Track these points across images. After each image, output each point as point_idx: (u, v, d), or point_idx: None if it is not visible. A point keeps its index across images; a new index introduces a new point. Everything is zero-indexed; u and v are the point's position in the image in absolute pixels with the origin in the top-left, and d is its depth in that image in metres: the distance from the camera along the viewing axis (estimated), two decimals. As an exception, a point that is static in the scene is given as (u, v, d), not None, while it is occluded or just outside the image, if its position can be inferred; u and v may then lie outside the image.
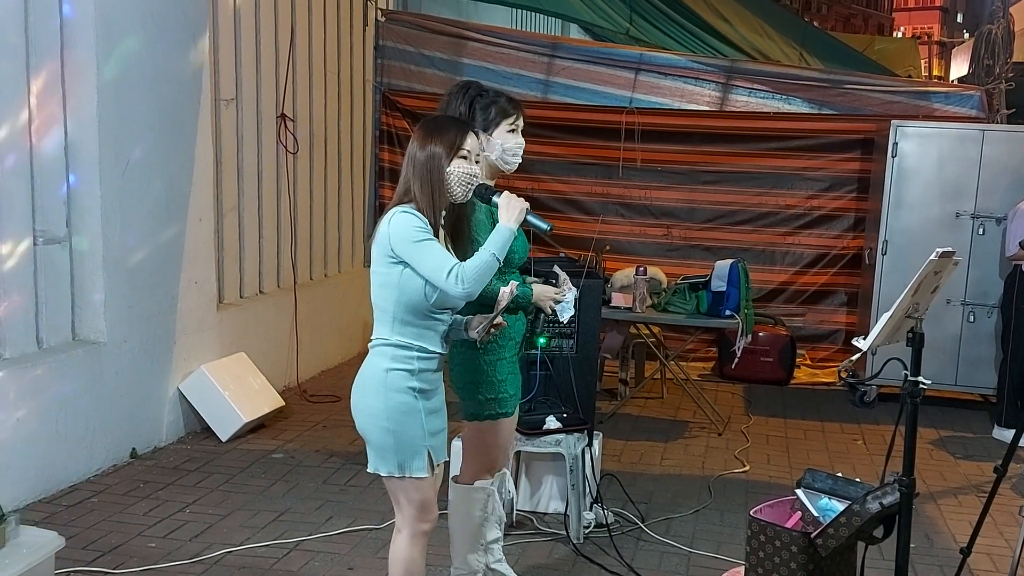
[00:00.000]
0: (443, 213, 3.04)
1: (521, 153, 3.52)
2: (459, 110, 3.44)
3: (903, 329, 3.15)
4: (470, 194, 3.05)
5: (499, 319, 3.10)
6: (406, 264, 2.93)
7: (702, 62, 8.09)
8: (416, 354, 2.99)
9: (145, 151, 5.33)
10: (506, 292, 3.02)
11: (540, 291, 3.58)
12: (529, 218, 3.10)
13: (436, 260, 2.90)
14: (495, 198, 3.11)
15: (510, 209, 3.03)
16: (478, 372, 3.48)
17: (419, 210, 2.94)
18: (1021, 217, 6.20)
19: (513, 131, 3.47)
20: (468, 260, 2.95)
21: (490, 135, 3.45)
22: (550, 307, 3.60)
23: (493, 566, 3.82)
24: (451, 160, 2.98)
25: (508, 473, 3.94)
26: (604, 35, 9.66)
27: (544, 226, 3.18)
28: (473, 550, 3.68)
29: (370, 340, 3.07)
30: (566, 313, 3.64)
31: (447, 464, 3.25)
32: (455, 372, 3.53)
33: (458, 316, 3.14)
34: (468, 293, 2.91)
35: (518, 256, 3.56)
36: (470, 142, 3.03)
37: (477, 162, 3.07)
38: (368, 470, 3.08)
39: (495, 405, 3.51)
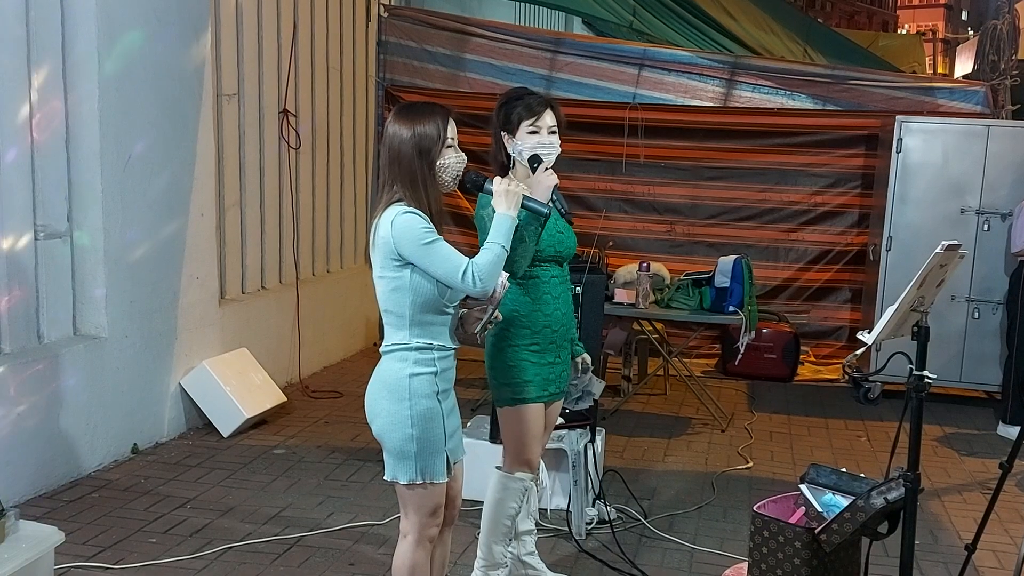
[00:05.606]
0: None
1: (543, 152, 3.44)
2: (498, 117, 3.50)
3: (908, 323, 3.12)
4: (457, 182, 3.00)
5: (497, 314, 3.08)
6: (414, 265, 2.86)
7: (706, 58, 8.06)
8: (437, 354, 2.93)
9: (146, 146, 5.31)
10: (500, 286, 2.98)
11: None
12: (527, 203, 3.09)
13: (448, 261, 2.84)
14: (487, 185, 3.09)
15: (507, 196, 2.99)
16: (494, 357, 3.54)
17: (417, 207, 2.86)
18: (1026, 213, 6.18)
19: (534, 132, 3.45)
20: (478, 256, 2.90)
21: (514, 137, 3.46)
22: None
23: (524, 558, 3.86)
24: (440, 153, 2.90)
25: (542, 463, 3.94)
26: (607, 30, 9.66)
27: (543, 210, 3.19)
28: (500, 541, 3.68)
29: (381, 344, 3.00)
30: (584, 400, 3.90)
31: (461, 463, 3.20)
32: (485, 357, 3.57)
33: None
34: (484, 290, 2.88)
35: (567, 251, 3.60)
36: (451, 129, 2.94)
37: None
38: (385, 478, 3.00)
39: (509, 391, 3.52)
